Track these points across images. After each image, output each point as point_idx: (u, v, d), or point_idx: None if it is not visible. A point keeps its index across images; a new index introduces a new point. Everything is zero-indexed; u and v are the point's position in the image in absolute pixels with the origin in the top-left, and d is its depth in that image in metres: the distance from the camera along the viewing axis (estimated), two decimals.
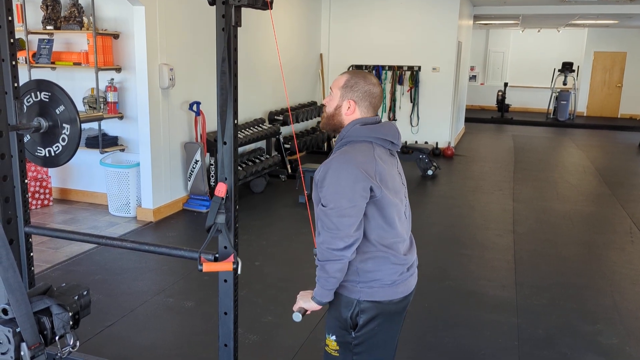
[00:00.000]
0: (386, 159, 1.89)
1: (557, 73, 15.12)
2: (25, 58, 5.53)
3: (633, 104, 16.09)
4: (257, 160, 6.80)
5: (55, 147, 2.52)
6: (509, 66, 17.62)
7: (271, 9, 2.08)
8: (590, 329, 3.53)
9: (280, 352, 3.19)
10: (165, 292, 3.91)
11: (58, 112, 2.46)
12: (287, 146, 7.78)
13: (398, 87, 9.73)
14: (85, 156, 5.66)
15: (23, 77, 2.51)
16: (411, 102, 9.74)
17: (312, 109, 8.81)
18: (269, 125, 7.35)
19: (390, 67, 9.68)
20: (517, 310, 3.76)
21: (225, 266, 2.05)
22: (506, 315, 3.70)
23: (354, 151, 1.83)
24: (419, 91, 9.66)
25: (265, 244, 4.93)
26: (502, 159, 9.38)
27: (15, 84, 2.41)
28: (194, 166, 5.77)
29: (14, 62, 2.41)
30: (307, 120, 8.60)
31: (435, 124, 9.70)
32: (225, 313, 2.20)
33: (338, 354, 1.94)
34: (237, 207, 2.12)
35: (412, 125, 9.78)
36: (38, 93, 2.47)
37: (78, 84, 5.61)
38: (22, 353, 1.39)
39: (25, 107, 2.49)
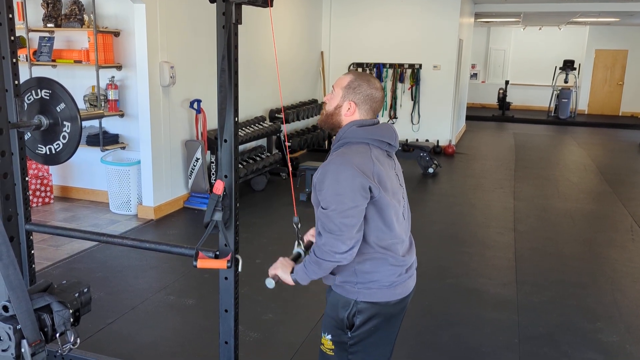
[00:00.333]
0: (383, 160, 1.88)
1: (558, 71, 15.10)
2: (26, 56, 5.53)
3: (634, 102, 16.07)
4: (258, 158, 6.80)
5: (56, 144, 2.52)
6: (510, 64, 17.60)
7: (271, 6, 2.07)
8: (591, 327, 3.53)
9: (280, 349, 3.19)
10: (166, 289, 3.92)
11: (59, 110, 2.46)
12: (289, 144, 7.78)
13: (399, 85, 9.73)
14: (86, 154, 5.66)
15: (24, 75, 2.51)
16: (412, 100, 9.73)
17: (313, 106, 8.81)
18: (270, 123, 7.35)
19: (391, 65, 9.68)
20: (518, 308, 3.77)
21: (219, 264, 2.05)
22: (507, 312, 3.71)
23: (352, 152, 1.83)
24: (419, 89, 9.65)
25: (266, 242, 4.93)
26: (503, 157, 9.38)
27: (16, 82, 2.41)
28: (195, 164, 5.77)
29: (14, 60, 2.41)
30: (307, 118, 8.60)
31: (436, 122, 9.69)
32: (226, 310, 2.20)
33: (333, 354, 1.94)
34: (238, 205, 2.12)
35: (413, 123, 9.77)
36: (39, 91, 2.47)
37: (79, 82, 5.61)
38: (22, 350, 1.40)
39: (26, 104, 2.49)
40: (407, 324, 3.31)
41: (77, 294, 1.58)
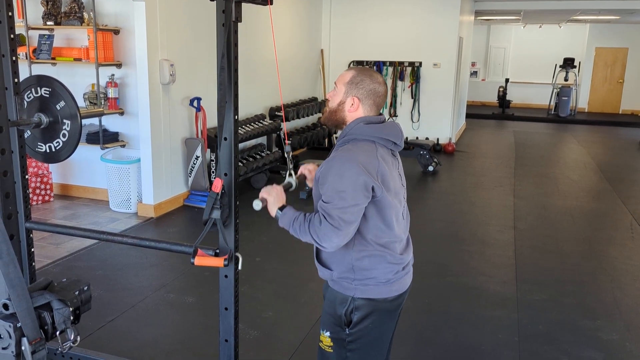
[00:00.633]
0: (388, 159, 1.88)
1: (558, 69, 15.08)
2: (26, 54, 5.53)
3: (634, 100, 16.07)
4: (258, 156, 6.79)
5: (56, 142, 2.52)
6: (510, 62, 17.59)
7: (271, 4, 2.07)
8: (591, 325, 3.54)
9: (280, 347, 3.19)
10: (166, 287, 3.92)
11: (58, 108, 2.46)
12: (289, 142, 7.77)
13: (399, 83, 9.72)
14: (86, 152, 5.66)
15: (23, 73, 2.51)
16: (412, 98, 9.72)
17: (313, 104, 8.80)
18: (270, 121, 7.34)
19: (391, 63, 9.67)
20: (518, 306, 3.77)
21: (216, 261, 2.05)
22: (506, 311, 3.71)
23: (357, 150, 1.82)
24: (419, 87, 9.65)
25: (266, 240, 4.94)
26: (503, 155, 9.38)
27: (16, 80, 2.41)
28: (195, 162, 5.77)
29: (14, 58, 2.40)
30: (307, 116, 8.60)
31: (436, 120, 9.69)
32: (226, 308, 2.21)
33: (332, 350, 1.95)
34: (238, 203, 2.12)
35: (413, 121, 9.77)
36: (38, 89, 2.47)
37: (78, 80, 5.61)
38: (23, 348, 1.40)
39: (25, 102, 2.49)
40: (407, 322, 3.32)
41: (77, 292, 1.58)
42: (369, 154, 1.82)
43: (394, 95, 9.76)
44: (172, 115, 5.63)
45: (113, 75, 5.52)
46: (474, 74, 16.99)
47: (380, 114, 1.95)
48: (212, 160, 6.02)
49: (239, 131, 6.37)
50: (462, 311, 3.70)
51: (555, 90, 15.01)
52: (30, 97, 2.49)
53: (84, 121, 5.18)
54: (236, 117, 2.06)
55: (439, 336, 3.37)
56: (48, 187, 5.82)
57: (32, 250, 2.64)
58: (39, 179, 5.72)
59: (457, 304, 3.82)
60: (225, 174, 2.07)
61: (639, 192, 7.15)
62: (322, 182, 1.82)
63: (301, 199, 6.16)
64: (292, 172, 2.08)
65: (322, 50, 9.92)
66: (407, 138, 9.03)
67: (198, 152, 5.74)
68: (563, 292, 4.03)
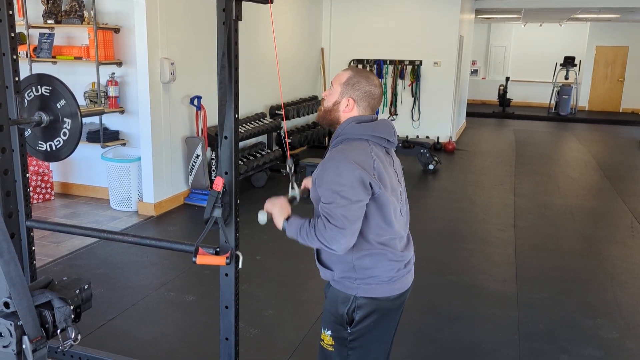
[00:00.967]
0: (382, 157, 1.88)
1: (558, 67, 15.07)
2: (26, 52, 5.53)
3: (635, 98, 16.05)
4: (258, 155, 6.79)
5: (57, 141, 2.52)
6: (510, 60, 17.57)
7: (272, 2, 2.07)
8: (591, 323, 3.54)
9: (281, 345, 3.20)
10: (167, 286, 3.93)
11: (59, 107, 2.46)
12: (289, 140, 7.78)
13: (399, 81, 9.71)
14: (86, 150, 5.66)
15: (24, 71, 2.51)
16: (412, 96, 9.72)
17: (313, 103, 8.81)
18: (270, 120, 7.34)
19: (392, 62, 9.66)
20: (518, 305, 3.77)
21: (218, 260, 2.05)
22: (507, 309, 3.71)
23: (351, 149, 1.82)
24: (420, 86, 9.64)
25: (267, 238, 4.94)
26: (503, 154, 9.37)
27: (16, 78, 2.41)
28: (195, 161, 5.77)
29: (14, 56, 2.41)
30: (307, 114, 8.60)
31: (436, 118, 9.68)
32: (226, 307, 2.21)
33: (333, 349, 1.95)
34: (238, 201, 2.12)
35: (413, 120, 9.77)
36: (39, 87, 2.47)
37: (79, 78, 5.61)
38: (23, 346, 1.40)
39: (26, 101, 2.49)
40: (407, 321, 3.32)
41: (77, 291, 1.58)
42: (363, 152, 1.82)
43: (394, 94, 9.76)
44: (173, 113, 5.63)
45: (113, 73, 5.52)
46: (474, 72, 16.97)
47: (374, 114, 1.96)
48: (213, 159, 6.03)
49: (240, 130, 6.36)
50: (462, 309, 3.70)
51: (555, 89, 14.99)
52: (30, 95, 2.49)
53: (85, 120, 5.16)
54: (236, 116, 2.06)
55: (439, 334, 3.37)
56: (49, 185, 5.83)
57: (33, 248, 2.65)
58: (39, 178, 5.72)
59: (457, 302, 3.82)
60: (226, 173, 2.07)
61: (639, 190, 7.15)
62: (319, 183, 1.82)
63: (303, 197, 6.16)
64: (296, 185, 2.07)
65: (322, 49, 9.92)
66: (407, 136, 9.04)
67: (198, 151, 5.75)
68: (563, 291, 4.03)
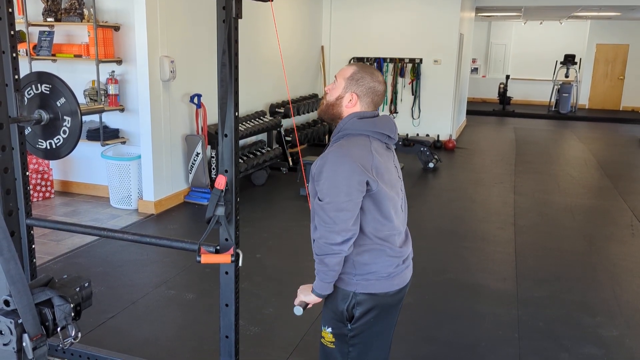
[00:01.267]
0: (383, 152, 1.89)
1: (559, 65, 15.06)
2: (26, 50, 5.52)
3: (635, 96, 16.03)
4: (258, 153, 6.79)
5: (57, 139, 2.52)
6: (510, 58, 17.56)
7: (272, 0, 2.07)
8: (591, 321, 3.54)
9: (281, 343, 3.20)
10: (167, 284, 3.93)
11: (59, 105, 2.46)
12: (288, 139, 7.77)
13: (399, 79, 9.71)
14: (86, 149, 5.66)
15: (24, 70, 2.51)
16: (412, 94, 9.71)
17: (313, 101, 8.80)
18: (270, 118, 7.34)
19: (392, 60, 9.66)
20: (518, 303, 3.77)
21: (223, 258, 2.05)
22: (506, 307, 3.71)
23: (351, 145, 1.83)
24: (420, 84, 9.64)
25: (267, 236, 4.94)
26: (503, 152, 9.37)
27: (16, 76, 2.41)
28: (195, 159, 5.77)
29: (14, 54, 2.40)
30: (308, 112, 8.59)
31: (436, 116, 9.68)
32: (227, 305, 2.21)
33: (334, 346, 1.95)
34: (238, 199, 2.12)
35: (413, 118, 9.76)
36: (39, 85, 2.47)
37: (79, 77, 5.60)
38: (24, 344, 1.40)
39: (26, 99, 2.49)
40: (406, 319, 3.32)
41: (77, 289, 1.58)
42: (363, 148, 1.82)
43: (395, 92, 9.75)
44: (173, 111, 5.63)
45: (113, 71, 5.51)
46: (474, 70, 16.96)
47: (376, 110, 1.96)
48: (213, 157, 6.03)
49: (240, 128, 6.36)
50: (462, 308, 3.70)
51: (555, 87, 14.98)
52: (30, 93, 2.49)
53: (85, 118, 5.16)
54: (237, 114, 2.06)
55: (439, 333, 3.37)
56: (49, 183, 5.83)
57: (33, 246, 2.65)
58: (39, 176, 5.72)
59: (457, 300, 3.82)
60: (226, 171, 2.07)
61: None
62: (317, 178, 1.82)
63: (302, 195, 6.17)
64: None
65: (322, 47, 9.91)
66: (407, 135, 9.03)
67: (198, 149, 5.74)
68: (563, 289, 4.03)
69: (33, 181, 5.64)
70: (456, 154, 9.14)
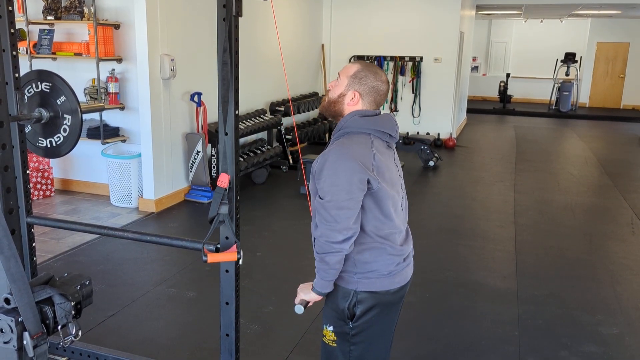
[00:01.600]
0: (383, 151, 1.89)
1: (559, 64, 15.05)
2: (26, 48, 5.52)
3: (636, 94, 16.03)
4: (259, 151, 6.79)
5: (57, 137, 2.52)
6: (511, 57, 17.55)
7: None
8: (591, 320, 3.54)
9: (281, 341, 3.20)
10: (167, 282, 3.93)
11: (59, 103, 2.46)
12: (289, 137, 7.77)
13: (400, 77, 9.71)
14: (86, 147, 5.66)
15: (24, 68, 2.51)
16: (413, 93, 9.71)
17: (314, 99, 8.79)
18: (270, 116, 7.34)
19: (392, 58, 9.65)
20: (518, 301, 3.77)
21: (230, 256, 2.06)
22: (507, 305, 3.71)
23: (352, 143, 1.83)
24: (420, 82, 9.63)
25: (267, 235, 4.94)
26: (503, 150, 9.37)
27: (16, 75, 2.41)
28: (196, 157, 5.77)
29: (14, 53, 2.40)
30: (308, 111, 8.58)
31: (437, 114, 9.68)
32: (227, 303, 2.21)
33: (335, 345, 1.95)
34: (239, 197, 2.12)
35: (413, 116, 9.76)
36: (39, 83, 2.47)
37: (79, 75, 5.60)
38: (24, 342, 1.40)
39: (26, 97, 2.49)
40: (407, 317, 3.32)
41: (78, 287, 1.58)
42: (364, 147, 1.82)
43: (395, 90, 9.75)
44: (173, 110, 5.63)
45: (113, 70, 5.51)
46: (475, 68, 16.96)
47: (377, 109, 1.96)
48: (213, 155, 6.03)
49: (240, 126, 6.36)
50: (463, 306, 3.71)
51: (556, 85, 14.98)
52: (30, 92, 2.49)
53: (85, 116, 5.17)
54: (237, 112, 2.06)
55: (439, 331, 3.38)
56: (49, 182, 5.83)
57: (34, 245, 2.65)
58: (39, 174, 5.72)
59: (457, 298, 3.82)
60: (227, 169, 2.07)
61: None
62: (317, 176, 1.82)
63: (302, 193, 6.17)
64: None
65: (322, 45, 9.90)
66: (407, 133, 9.03)
67: (199, 147, 5.74)
68: (563, 287, 4.04)
69: (33, 179, 5.64)
70: (456, 152, 9.14)
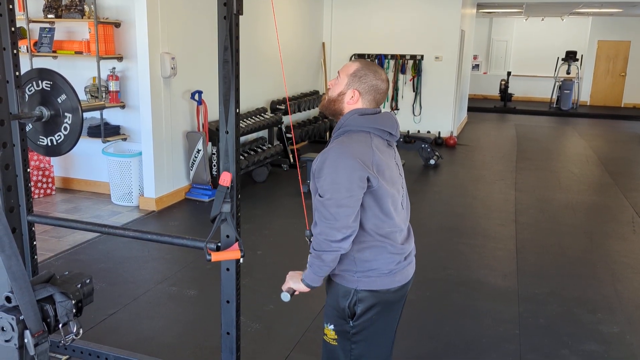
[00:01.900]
0: (384, 149, 1.88)
1: (560, 62, 15.03)
2: (27, 47, 5.52)
3: (637, 93, 16.01)
4: (259, 150, 6.79)
5: (57, 136, 2.52)
6: (512, 55, 17.53)
7: None
8: (591, 318, 3.54)
9: (282, 340, 3.20)
10: (168, 280, 3.93)
11: (60, 101, 2.46)
12: (289, 135, 7.77)
13: (400, 76, 9.70)
14: (87, 145, 5.66)
15: (24, 66, 2.51)
16: (414, 91, 9.70)
17: (314, 98, 8.79)
18: (271, 115, 7.34)
19: (393, 56, 9.64)
20: (519, 299, 3.77)
21: (233, 254, 2.05)
22: (507, 304, 3.71)
23: (352, 141, 1.82)
24: (421, 80, 9.62)
25: (267, 233, 4.94)
26: (504, 149, 9.36)
27: (17, 73, 2.41)
28: (196, 155, 5.77)
29: (15, 51, 2.40)
30: (309, 109, 8.58)
31: (437, 113, 9.67)
32: (228, 301, 2.21)
33: (336, 343, 1.95)
34: (239, 196, 2.12)
35: (414, 115, 9.75)
36: (40, 82, 2.47)
37: (79, 73, 5.60)
38: (25, 340, 1.40)
39: (27, 96, 2.49)
40: (407, 315, 3.32)
41: (79, 285, 1.58)
42: (364, 145, 1.82)
43: (396, 89, 9.74)
44: (174, 108, 5.63)
45: (114, 68, 5.51)
46: (475, 67, 16.94)
47: (377, 107, 1.95)
48: (214, 154, 6.03)
49: (240, 124, 6.36)
50: (463, 304, 3.71)
51: (557, 84, 14.96)
52: (31, 90, 2.49)
53: (85, 114, 5.17)
54: (238, 111, 2.05)
55: (440, 329, 3.38)
56: (50, 180, 5.83)
57: (34, 243, 2.65)
58: (40, 173, 5.72)
59: (458, 297, 3.82)
60: (228, 168, 2.07)
61: None
62: (317, 175, 1.82)
63: (303, 192, 6.16)
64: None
65: (323, 44, 9.90)
66: (408, 131, 9.03)
67: (199, 146, 5.74)
68: (564, 286, 4.04)
69: (34, 178, 5.64)
70: (457, 150, 9.13)
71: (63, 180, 6.11)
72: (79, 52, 5.51)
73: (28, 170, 2.55)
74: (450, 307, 3.67)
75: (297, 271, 1.96)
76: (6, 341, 1.40)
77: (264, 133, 7.40)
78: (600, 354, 3.13)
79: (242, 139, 6.90)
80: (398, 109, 9.78)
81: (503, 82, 15.22)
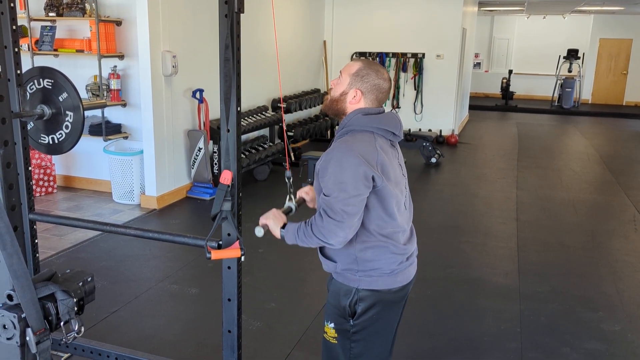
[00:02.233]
0: (387, 149, 1.88)
1: (562, 60, 15.01)
2: (28, 45, 5.52)
3: (638, 91, 15.99)
4: (260, 148, 6.79)
5: (59, 134, 2.52)
6: (513, 53, 17.51)
7: None
8: (593, 316, 3.54)
9: (283, 338, 3.21)
10: (170, 278, 3.94)
11: (61, 100, 2.46)
12: (290, 134, 7.77)
13: (402, 74, 9.69)
14: (88, 144, 5.66)
15: (26, 64, 2.51)
16: (415, 89, 9.69)
17: (315, 96, 8.78)
18: (272, 113, 7.33)
19: (394, 54, 9.63)
20: (520, 298, 3.77)
21: (233, 253, 2.06)
22: (509, 302, 3.71)
23: (356, 141, 1.82)
24: (422, 78, 9.61)
25: (269, 232, 4.94)
26: (506, 147, 9.36)
27: (18, 71, 2.41)
28: (197, 154, 5.78)
29: (16, 49, 2.40)
30: (310, 107, 8.58)
31: (439, 111, 9.66)
32: (229, 299, 2.21)
33: (336, 342, 1.95)
34: (240, 194, 2.12)
35: (415, 113, 9.74)
36: (41, 80, 2.47)
37: (81, 71, 5.60)
38: (27, 338, 1.40)
39: (28, 94, 2.49)
40: (409, 314, 3.32)
41: (81, 283, 1.58)
42: (368, 145, 1.82)
43: (397, 87, 9.73)
44: (175, 106, 5.63)
45: (115, 66, 5.51)
46: (477, 65, 16.91)
47: (381, 107, 1.95)
48: (215, 152, 6.03)
49: (242, 123, 6.36)
50: (465, 303, 3.71)
51: (558, 82, 14.94)
52: (32, 88, 2.49)
53: (87, 113, 5.15)
54: (239, 109, 2.05)
55: (442, 327, 3.38)
56: (51, 178, 5.84)
57: (36, 241, 2.65)
58: (42, 171, 5.73)
59: (459, 295, 3.82)
60: (229, 166, 2.07)
61: None
62: (322, 174, 1.82)
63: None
64: (292, 197, 2.07)
65: (324, 42, 9.89)
66: (409, 130, 9.02)
67: (200, 144, 5.75)
68: (565, 284, 4.03)
69: (35, 176, 5.65)
70: (458, 149, 9.12)
71: (64, 179, 6.12)
72: (80, 51, 5.51)
73: (29, 168, 2.55)
74: (452, 305, 3.67)
75: (282, 215, 1.97)
76: (8, 339, 1.40)
77: (265, 131, 7.40)
78: (602, 352, 3.13)
79: (243, 137, 6.90)
80: (399, 107, 9.77)
81: (504, 80, 15.21)
